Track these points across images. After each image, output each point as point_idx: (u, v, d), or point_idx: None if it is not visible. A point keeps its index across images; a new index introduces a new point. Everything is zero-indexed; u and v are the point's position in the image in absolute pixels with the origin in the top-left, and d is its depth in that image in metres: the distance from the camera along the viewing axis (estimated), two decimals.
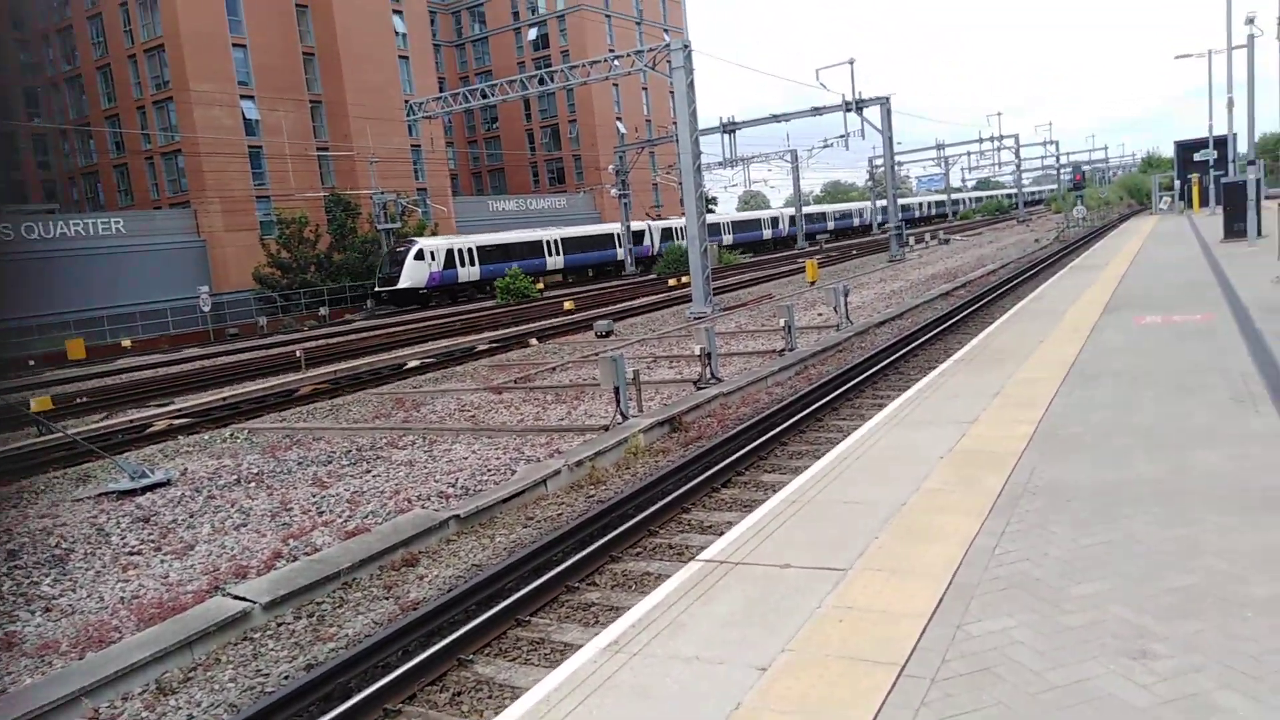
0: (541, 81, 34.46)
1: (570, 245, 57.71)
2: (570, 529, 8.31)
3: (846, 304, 20.48)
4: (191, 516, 10.27)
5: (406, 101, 43.33)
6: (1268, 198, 29.75)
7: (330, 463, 12.24)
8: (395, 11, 65.28)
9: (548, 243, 56.30)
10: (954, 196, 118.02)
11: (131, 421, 17.63)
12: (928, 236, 63.20)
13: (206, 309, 45.02)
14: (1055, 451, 6.61)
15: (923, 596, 4.44)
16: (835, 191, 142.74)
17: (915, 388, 10.11)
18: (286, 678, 6.21)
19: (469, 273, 49.68)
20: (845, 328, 19.80)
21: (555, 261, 56.15)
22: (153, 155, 56.30)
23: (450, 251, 49.39)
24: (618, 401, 12.07)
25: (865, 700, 3.56)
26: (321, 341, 34.07)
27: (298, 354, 23.81)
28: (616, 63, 32.28)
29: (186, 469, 12.87)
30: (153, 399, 21.16)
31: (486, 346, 24.40)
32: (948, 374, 10.46)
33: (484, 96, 35.64)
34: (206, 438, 15.55)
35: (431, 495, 10.02)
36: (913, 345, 16.95)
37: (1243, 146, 32.23)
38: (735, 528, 5.98)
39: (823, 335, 19.63)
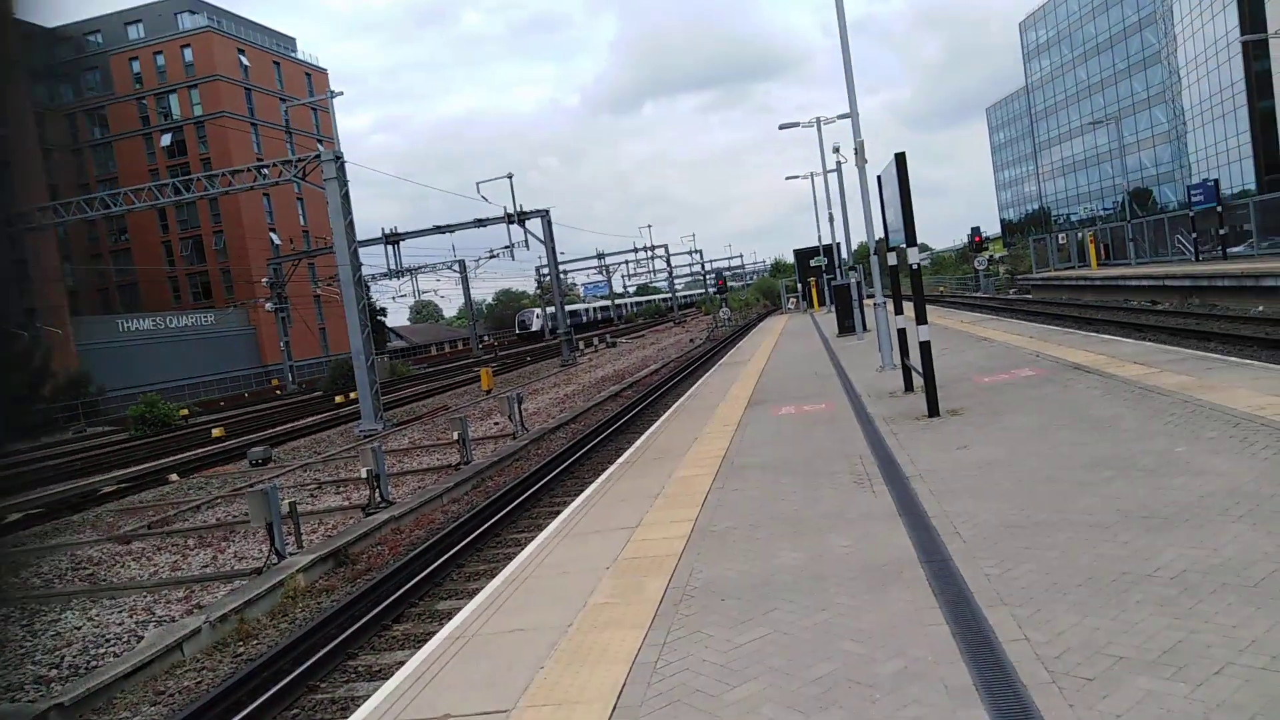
0: (178, 191, 31.79)
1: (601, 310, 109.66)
2: (208, 700, 7.18)
3: (522, 411, 20.63)
4: None
5: None
6: (867, 298, 34.98)
7: None
8: None
9: (589, 310, 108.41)
10: (618, 301, 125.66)
11: None
12: (596, 340, 66.45)
13: None
14: (711, 549, 6.87)
15: None
16: (507, 300, 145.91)
17: (584, 494, 10.21)
18: None
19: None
20: (522, 435, 19.86)
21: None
22: None
23: (544, 314, 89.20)
24: (271, 540, 10.91)
25: None
26: None
27: None
28: (265, 172, 30.74)
29: None
30: None
31: (114, 488, 21.22)
32: (614, 477, 10.71)
33: (106, 206, 32.07)
34: None
35: (25, 683, 8.22)
36: (586, 448, 17.37)
37: (845, 254, 37.93)
38: (394, 677, 5.44)
39: (499, 445, 19.51)
